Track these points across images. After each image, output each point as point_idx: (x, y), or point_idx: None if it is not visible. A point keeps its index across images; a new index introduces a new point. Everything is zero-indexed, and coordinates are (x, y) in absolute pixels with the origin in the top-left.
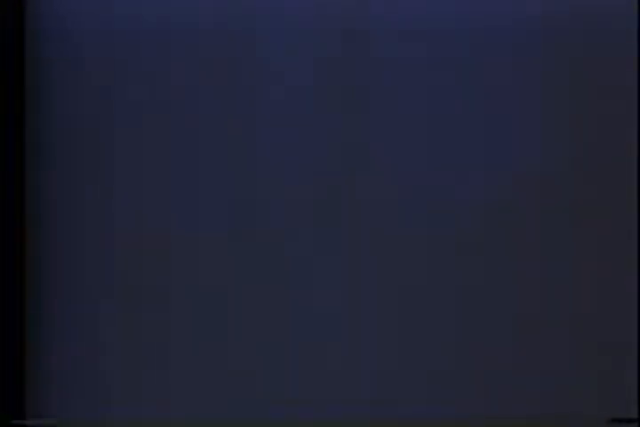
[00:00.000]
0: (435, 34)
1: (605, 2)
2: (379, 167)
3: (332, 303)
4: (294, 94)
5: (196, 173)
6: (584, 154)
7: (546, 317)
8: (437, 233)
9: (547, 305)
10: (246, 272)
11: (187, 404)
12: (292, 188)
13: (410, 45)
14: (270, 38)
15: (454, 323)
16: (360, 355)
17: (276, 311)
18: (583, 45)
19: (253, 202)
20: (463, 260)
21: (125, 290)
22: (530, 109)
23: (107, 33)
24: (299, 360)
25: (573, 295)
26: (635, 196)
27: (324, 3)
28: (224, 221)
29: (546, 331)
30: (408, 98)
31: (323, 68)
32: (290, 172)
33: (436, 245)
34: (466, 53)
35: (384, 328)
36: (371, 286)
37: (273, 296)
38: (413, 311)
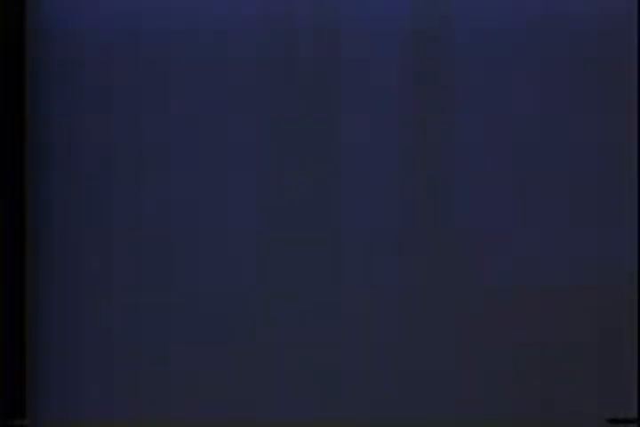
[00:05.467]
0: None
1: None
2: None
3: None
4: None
5: (196, 171)
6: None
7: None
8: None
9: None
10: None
11: (187, 405)
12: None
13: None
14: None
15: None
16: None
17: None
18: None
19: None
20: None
21: (126, 289)
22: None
23: (107, 32)
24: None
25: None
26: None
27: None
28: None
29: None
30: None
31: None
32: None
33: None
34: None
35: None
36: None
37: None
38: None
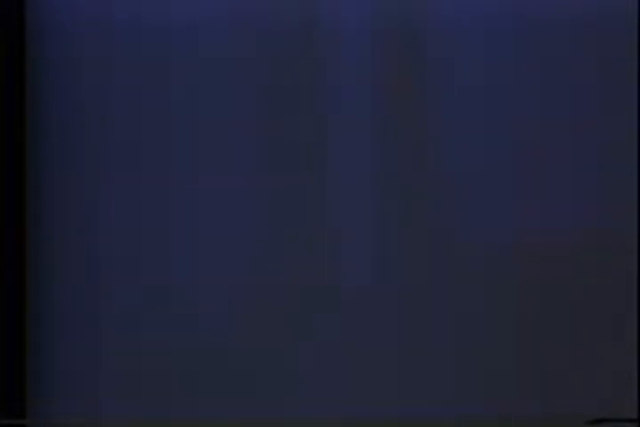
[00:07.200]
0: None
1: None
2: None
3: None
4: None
5: (196, 176)
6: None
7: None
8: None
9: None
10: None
11: (188, 405)
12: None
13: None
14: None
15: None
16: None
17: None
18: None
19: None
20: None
21: (126, 288)
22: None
23: (107, 32)
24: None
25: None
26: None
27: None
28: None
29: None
30: None
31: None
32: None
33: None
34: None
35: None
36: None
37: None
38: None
